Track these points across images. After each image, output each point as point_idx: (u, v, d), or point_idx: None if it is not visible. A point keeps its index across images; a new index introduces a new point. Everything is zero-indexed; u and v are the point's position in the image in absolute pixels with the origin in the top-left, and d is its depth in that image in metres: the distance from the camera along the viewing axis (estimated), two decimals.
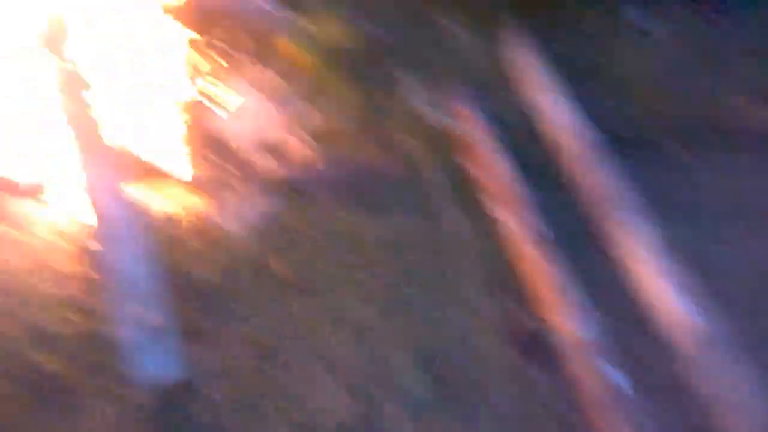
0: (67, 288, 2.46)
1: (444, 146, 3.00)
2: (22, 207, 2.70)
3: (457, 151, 2.98)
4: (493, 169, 2.84)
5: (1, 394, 2.21)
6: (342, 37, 3.16)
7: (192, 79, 3.00)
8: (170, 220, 2.68)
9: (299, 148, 2.96)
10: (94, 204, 2.44)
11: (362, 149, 2.99)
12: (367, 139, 3.02)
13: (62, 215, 2.68)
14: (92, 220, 2.48)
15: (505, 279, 2.57)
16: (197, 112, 2.95)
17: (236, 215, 2.72)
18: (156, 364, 2.16)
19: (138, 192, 2.65)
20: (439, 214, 2.79)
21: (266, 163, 2.90)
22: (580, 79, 3.18)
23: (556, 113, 3.01)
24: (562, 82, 3.11)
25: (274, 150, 2.95)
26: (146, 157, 2.79)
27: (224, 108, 3.03)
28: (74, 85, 2.68)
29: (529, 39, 3.28)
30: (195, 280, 2.49)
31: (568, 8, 3.58)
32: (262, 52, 3.17)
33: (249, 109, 3.03)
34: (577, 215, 2.70)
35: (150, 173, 2.77)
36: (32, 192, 2.72)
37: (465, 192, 2.85)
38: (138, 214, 2.47)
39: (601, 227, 2.61)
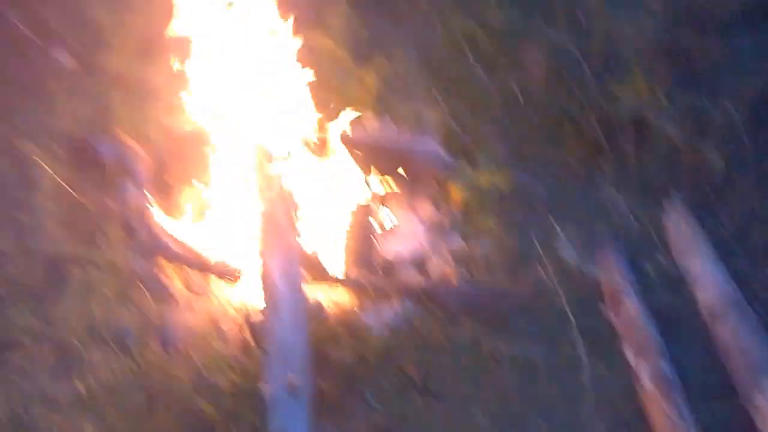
0: (231, 349, 2.96)
1: (582, 288, 3.20)
2: (208, 281, 3.22)
3: (596, 295, 3.17)
4: (630, 316, 2.98)
5: (163, 427, 2.74)
6: (503, 184, 3.50)
7: (364, 198, 3.43)
8: (323, 308, 3.09)
9: (443, 267, 3.30)
10: (266, 284, 2.86)
11: (503, 277, 3.26)
12: (509, 268, 3.28)
13: (238, 290, 3.19)
14: (261, 298, 2.91)
15: (627, 420, 2.73)
16: (363, 225, 3.34)
17: (378, 314, 3.10)
18: (289, 422, 2.51)
19: (302, 280, 3.02)
20: (567, 345, 2.98)
21: (412, 276, 3.29)
22: (731, 249, 3.33)
23: (704, 278, 3.13)
24: (713, 250, 3.23)
25: (420, 265, 3.33)
26: (312, 252, 3.22)
27: (386, 225, 3.47)
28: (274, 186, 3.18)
29: (688, 207, 3.46)
30: (334, 360, 2.87)
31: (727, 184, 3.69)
32: (428, 186, 3.58)
33: (406, 230, 3.45)
34: (711, 369, 2.85)
35: (314, 267, 3.20)
36: (220, 270, 3.22)
37: (598, 331, 3.01)
38: (298, 298, 2.87)
39: (732, 382, 2.74)
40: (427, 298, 3.14)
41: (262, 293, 2.89)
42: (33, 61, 4.08)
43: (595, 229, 3.49)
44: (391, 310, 3.12)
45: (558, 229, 3.43)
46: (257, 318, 3.00)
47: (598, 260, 3.30)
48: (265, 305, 2.83)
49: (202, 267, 3.21)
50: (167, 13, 3.81)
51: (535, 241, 3.37)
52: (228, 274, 3.21)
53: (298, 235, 3.06)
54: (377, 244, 3.38)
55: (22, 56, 4.09)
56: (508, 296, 3.18)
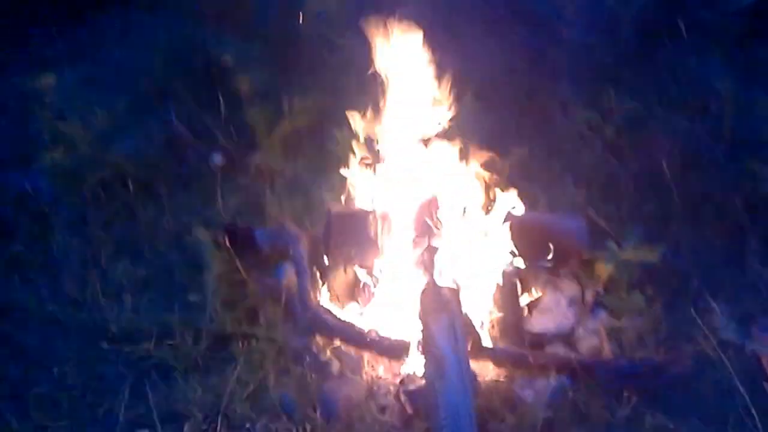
0: (393, 420, 3.02)
1: (742, 364, 3.15)
2: (366, 355, 3.27)
3: (757, 370, 3.15)
4: None
5: None
6: (649, 260, 3.49)
7: (513, 273, 3.48)
8: (478, 380, 3.11)
9: (595, 342, 3.33)
10: (432, 353, 2.89)
11: (655, 352, 3.26)
12: (661, 343, 3.29)
13: (396, 364, 3.24)
14: (425, 368, 2.97)
15: None
16: (513, 300, 3.42)
17: (534, 388, 3.08)
18: None
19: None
20: (730, 420, 2.94)
21: (564, 350, 3.31)
22: None
23: None
24: None
25: (572, 340, 3.36)
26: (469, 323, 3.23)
27: (535, 301, 3.51)
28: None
29: None
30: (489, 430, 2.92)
31: None
32: (575, 263, 3.61)
33: (554, 306, 3.47)
34: None
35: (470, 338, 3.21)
36: (378, 345, 3.26)
37: (763, 407, 2.93)
38: (464, 366, 2.87)
39: None
40: (582, 372, 3.13)
41: (426, 363, 2.95)
42: (191, 161, 4.40)
43: (746, 305, 3.48)
44: (546, 384, 3.11)
45: (713, 303, 3.40)
46: (419, 389, 3.03)
47: (755, 336, 3.27)
48: (431, 374, 2.86)
49: (359, 342, 3.27)
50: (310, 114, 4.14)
51: (688, 317, 3.34)
52: (388, 350, 3.24)
53: (460, 305, 3.11)
54: (528, 319, 3.43)
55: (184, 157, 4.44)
56: (665, 371, 3.14)
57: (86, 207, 4.06)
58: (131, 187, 4.12)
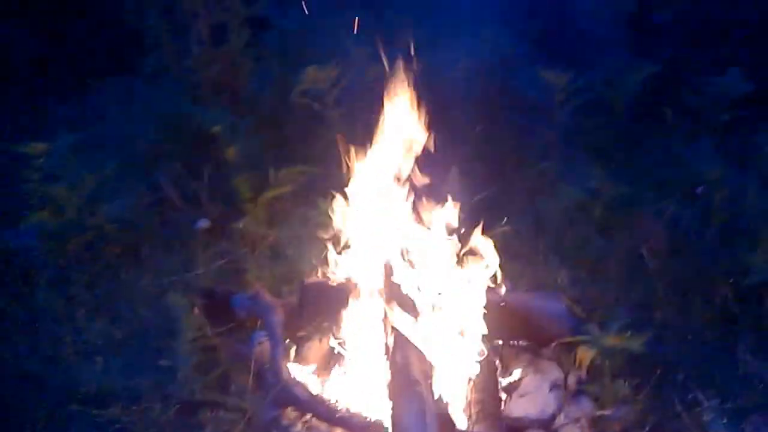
0: None
1: None
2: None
3: None
4: None
5: None
6: (633, 347, 3.37)
7: (491, 355, 3.44)
8: None
9: (576, 430, 3.24)
10: None
11: None
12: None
13: None
14: None
15: None
16: (490, 382, 3.35)
17: None
18: None
19: None
20: None
21: None
22: None
23: None
24: None
25: (551, 426, 3.28)
26: (443, 405, 3.16)
27: (512, 385, 3.45)
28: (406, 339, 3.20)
29: None
30: None
31: None
32: (559, 347, 3.54)
33: (534, 390, 3.40)
34: None
35: (443, 420, 3.09)
36: (349, 422, 3.18)
37: None
38: None
39: None
40: None
41: None
42: (176, 224, 4.43)
43: (738, 400, 3.37)
44: None
45: (701, 397, 3.34)
46: None
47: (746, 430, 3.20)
48: None
49: (331, 418, 3.20)
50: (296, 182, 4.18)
51: (675, 409, 3.29)
52: (358, 427, 3.17)
53: (432, 388, 3.05)
54: (507, 402, 3.36)
55: (169, 221, 4.48)
56: None
57: (70, 266, 4.05)
58: (115, 249, 4.13)
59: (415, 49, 3.63)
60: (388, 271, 3.39)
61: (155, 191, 4.54)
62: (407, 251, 3.49)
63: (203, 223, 4.33)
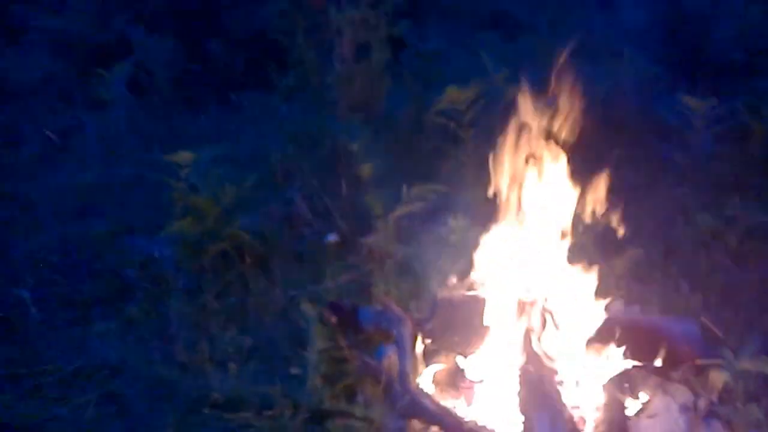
0: None
1: None
2: None
3: None
4: None
5: None
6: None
7: (619, 375, 3.40)
8: None
9: None
10: None
11: None
12: None
13: None
14: None
15: None
16: (617, 403, 3.29)
17: None
18: None
19: None
20: None
21: None
22: None
23: None
24: None
25: None
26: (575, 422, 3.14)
27: (644, 406, 3.36)
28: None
29: None
30: None
31: None
32: (690, 370, 3.42)
33: (663, 413, 3.35)
34: None
35: None
36: None
37: None
38: None
39: None
40: None
41: None
42: (306, 238, 4.55)
43: None
44: None
45: None
46: None
47: None
48: None
49: (458, 430, 3.21)
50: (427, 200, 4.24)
51: None
52: None
53: (563, 403, 3.04)
54: (635, 422, 3.28)
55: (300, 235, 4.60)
56: None
57: (204, 276, 4.21)
58: (248, 259, 4.27)
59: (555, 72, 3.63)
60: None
61: (288, 205, 4.68)
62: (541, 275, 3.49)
63: (333, 238, 4.44)
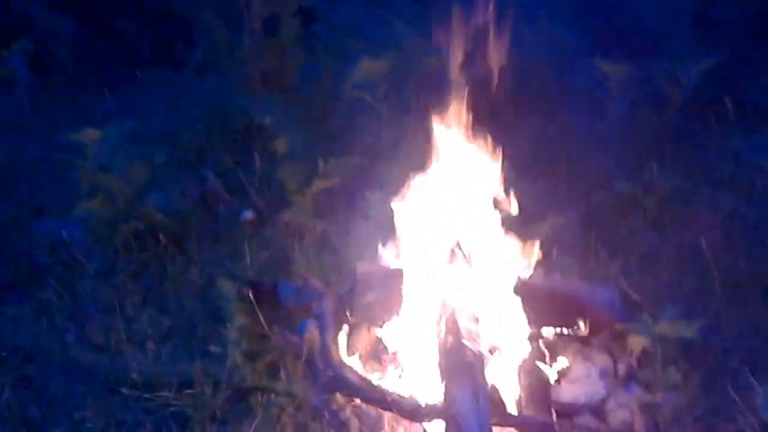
0: None
1: None
2: (386, 416, 3.32)
3: None
4: None
5: None
6: (688, 336, 3.50)
7: (537, 347, 3.56)
8: None
9: (625, 415, 3.34)
10: (453, 421, 2.95)
11: (689, 428, 3.28)
12: (697, 420, 3.30)
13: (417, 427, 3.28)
14: None
15: None
16: (538, 369, 3.47)
17: None
18: None
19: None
20: None
21: (592, 421, 3.33)
22: None
23: None
24: None
25: (601, 411, 3.38)
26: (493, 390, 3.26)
27: (561, 372, 3.53)
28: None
29: None
30: None
31: None
32: (609, 335, 3.63)
33: (584, 377, 3.49)
34: None
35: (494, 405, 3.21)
36: (401, 406, 3.29)
37: None
38: None
39: None
40: None
41: (447, 427, 2.99)
42: (222, 216, 4.63)
43: None
44: None
45: (754, 383, 3.41)
46: None
47: None
48: None
49: (381, 402, 3.32)
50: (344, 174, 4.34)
51: (727, 395, 3.36)
52: (409, 412, 3.28)
53: (484, 371, 3.16)
54: (556, 388, 3.46)
55: (215, 212, 4.67)
56: None
57: (117, 257, 4.25)
58: (162, 239, 4.31)
59: (470, 41, 3.74)
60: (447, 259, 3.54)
61: (202, 183, 4.72)
62: (460, 242, 3.62)
63: (249, 215, 4.51)
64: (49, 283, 4.11)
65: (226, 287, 3.63)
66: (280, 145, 4.50)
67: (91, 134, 4.25)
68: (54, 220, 4.56)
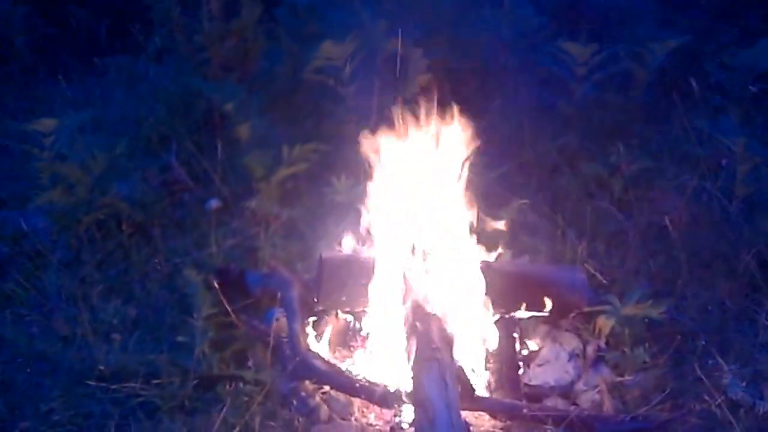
0: None
1: (754, 425, 3.27)
2: (355, 402, 3.41)
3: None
4: None
5: None
6: (654, 316, 3.62)
7: (509, 325, 3.67)
8: (471, 430, 3.23)
9: (594, 396, 3.45)
10: (421, 404, 2.99)
11: (661, 409, 3.35)
12: (665, 400, 3.39)
13: (386, 412, 3.38)
14: (414, 417, 3.10)
15: None
16: (509, 351, 3.59)
17: None
18: None
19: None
20: None
21: (561, 403, 3.44)
22: None
23: None
24: None
25: (570, 393, 3.51)
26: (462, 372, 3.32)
27: (531, 355, 3.67)
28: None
29: None
30: None
31: None
32: (578, 318, 3.76)
33: (553, 359, 3.61)
34: None
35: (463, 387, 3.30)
36: (368, 393, 3.35)
37: None
38: (455, 418, 2.95)
39: None
40: (581, 426, 3.21)
41: (416, 411, 3.06)
42: (187, 204, 4.68)
43: (758, 366, 3.59)
44: None
45: (721, 362, 3.53)
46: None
47: (767, 397, 3.40)
48: (420, 423, 2.96)
49: (349, 389, 3.41)
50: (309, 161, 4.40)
51: (695, 375, 3.49)
52: (378, 397, 3.35)
53: (452, 355, 3.24)
54: (525, 371, 3.57)
55: (180, 201, 4.72)
56: (670, 429, 3.23)
57: (81, 247, 4.29)
58: (126, 228, 4.36)
59: (433, 23, 3.79)
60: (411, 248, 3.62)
61: (165, 171, 4.77)
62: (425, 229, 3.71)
63: (215, 203, 4.57)
64: (12, 275, 4.15)
65: (193, 276, 3.67)
66: (243, 131, 4.55)
67: (47, 123, 4.26)
68: (14, 211, 4.58)
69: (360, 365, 3.59)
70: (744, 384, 3.47)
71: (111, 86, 5.76)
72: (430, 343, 3.21)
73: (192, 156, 4.81)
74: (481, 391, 3.42)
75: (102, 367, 3.55)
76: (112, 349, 3.64)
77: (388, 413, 3.39)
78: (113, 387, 3.45)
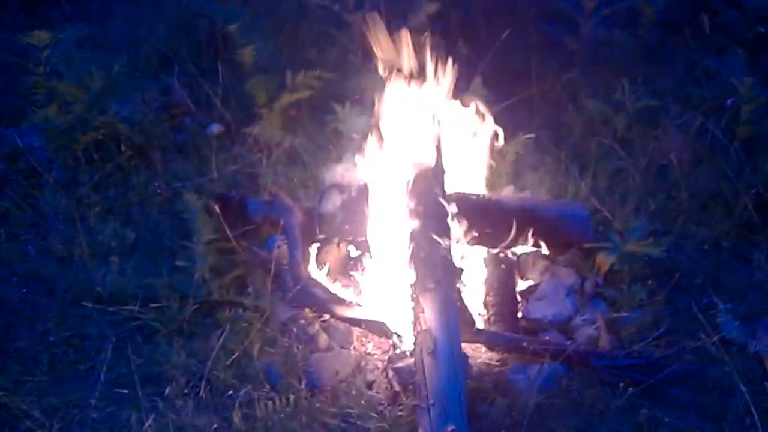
0: (380, 397, 3.10)
1: (743, 362, 3.24)
2: (355, 330, 3.35)
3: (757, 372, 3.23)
4: None
5: None
6: (653, 253, 3.56)
7: (510, 259, 3.61)
8: (470, 362, 3.19)
9: (591, 331, 3.38)
10: (422, 333, 2.91)
11: (656, 345, 3.31)
12: (660, 337, 3.35)
13: (386, 341, 3.31)
14: (415, 347, 3.00)
15: None
16: (508, 285, 3.52)
17: (525, 371, 3.15)
18: None
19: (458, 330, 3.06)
20: (730, 417, 3.02)
21: (560, 339, 3.36)
22: None
23: None
24: None
25: (567, 327, 3.43)
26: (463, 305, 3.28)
27: (530, 289, 3.60)
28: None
29: None
30: (485, 419, 2.99)
31: None
32: (577, 253, 3.67)
33: (552, 294, 3.53)
34: None
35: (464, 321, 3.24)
36: (369, 322, 3.30)
37: (762, 407, 2.98)
38: (456, 349, 2.90)
39: None
40: (578, 361, 3.18)
41: (416, 340, 2.99)
42: (188, 128, 4.53)
43: (752, 305, 3.56)
44: (539, 370, 3.14)
45: (716, 301, 3.48)
46: (408, 366, 3.09)
47: (759, 336, 3.35)
48: (420, 352, 2.90)
49: (349, 318, 3.34)
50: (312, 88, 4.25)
51: (690, 313, 3.42)
52: (376, 326, 3.31)
53: (454, 286, 3.16)
54: (524, 305, 3.51)
55: (181, 125, 4.58)
56: (664, 365, 3.17)
57: (78, 167, 4.17)
58: (125, 150, 4.22)
59: None
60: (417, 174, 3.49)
61: (166, 94, 4.62)
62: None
63: (216, 128, 4.43)
64: (7, 193, 4.03)
65: (193, 201, 3.57)
66: (247, 55, 4.40)
67: (42, 36, 4.07)
68: (10, 129, 4.44)
69: (361, 294, 3.52)
70: (737, 323, 3.43)
71: (111, 5, 5.54)
72: (433, 275, 3.12)
73: (193, 79, 4.66)
74: (479, 323, 3.35)
75: (99, 289, 3.48)
76: (109, 271, 3.56)
77: (387, 343, 3.31)
78: (110, 309, 3.38)
